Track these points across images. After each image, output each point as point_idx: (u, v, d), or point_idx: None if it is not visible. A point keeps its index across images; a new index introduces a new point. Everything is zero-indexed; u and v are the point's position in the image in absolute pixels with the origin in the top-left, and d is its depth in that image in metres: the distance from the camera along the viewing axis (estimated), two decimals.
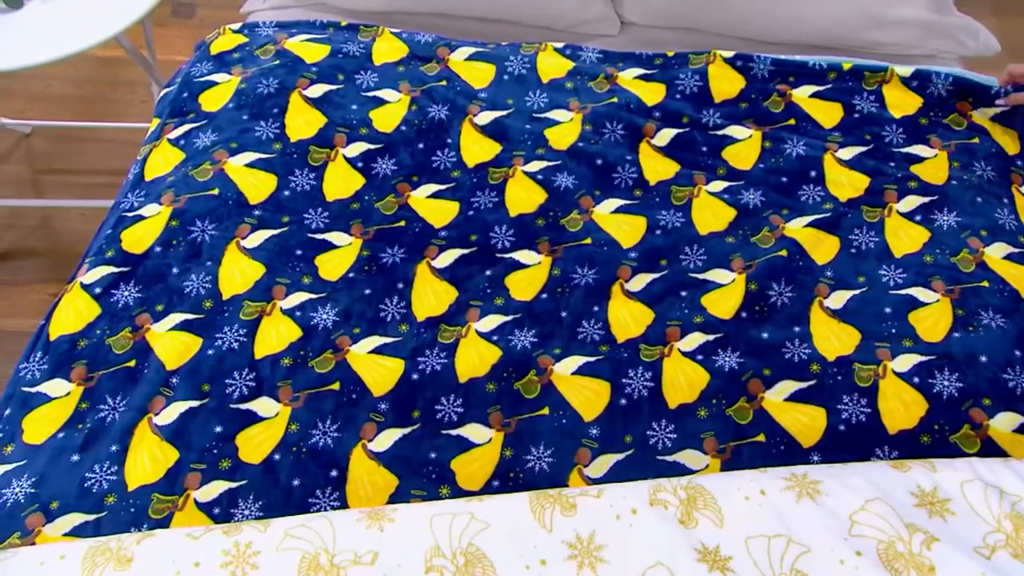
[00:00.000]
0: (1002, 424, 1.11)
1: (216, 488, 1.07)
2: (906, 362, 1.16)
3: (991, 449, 1.09)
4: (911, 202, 1.34)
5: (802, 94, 1.48)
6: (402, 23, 1.72)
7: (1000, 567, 0.87)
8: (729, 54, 1.52)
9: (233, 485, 1.07)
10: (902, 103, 1.47)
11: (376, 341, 1.20)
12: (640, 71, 1.52)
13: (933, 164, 1.38)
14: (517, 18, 1.72)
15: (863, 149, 1.40)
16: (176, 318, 1.21)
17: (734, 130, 1.44)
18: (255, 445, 1.10)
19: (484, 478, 1.08)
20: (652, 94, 1.49)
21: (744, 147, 1.42)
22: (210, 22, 2.56)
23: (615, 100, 1.47)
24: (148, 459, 1.08)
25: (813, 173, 1.38)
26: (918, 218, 1.32)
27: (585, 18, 1.70)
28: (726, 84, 1.49)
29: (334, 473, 1.09)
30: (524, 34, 1.73)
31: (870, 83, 1.48)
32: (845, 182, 1.36)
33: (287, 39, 1.55)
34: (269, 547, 0.89)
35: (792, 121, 1.45)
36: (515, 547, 0.89)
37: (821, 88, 1.49)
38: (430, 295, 1.25)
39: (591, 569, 0.88)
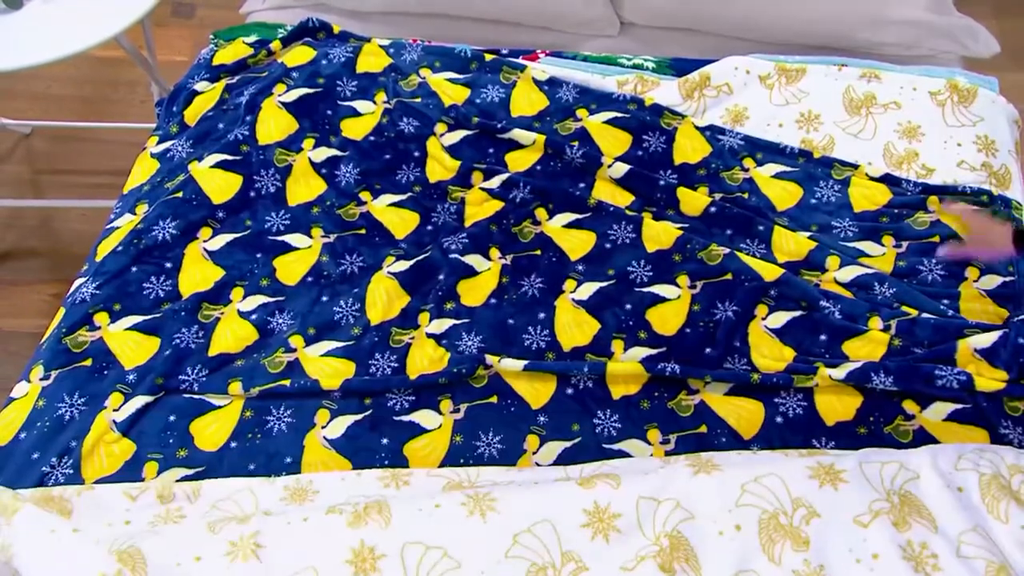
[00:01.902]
0: (933, 414, 1.13)
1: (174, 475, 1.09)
2: (842, 370, 1.15)
3: (924, 439, 1.11)
4: (850, 271, 1.28)
5: (764, 172, 1.42)
6: (402, 23, 1.72)
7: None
8: (702, 123, 1.47)
9: (189, 472, 1.09)
10: (868, 199, 1.38)
11: (329, 344, 1.22)
12: (611, 115, 1.47)
13: (876, 261, 1.31)
14: (517, 19, 1.72)
15: (807, 234, 1.34)
16: (133, 319, 1.23)
17: (684, 190, 1.39)
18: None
19: (435, 463, 1.11)
20: (617, 145, 1.45)
21: (696, 197, 1.38)
22: (210, 22, 2.56)
23: (576, 143, 1.44)
24: (105, 454, 1.10)
25: (761, 228, 1.34)
26: (853, 289, 1.27)
27: (585, 18, 1.70)
28: (690, 151, 1.44)
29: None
30: (524, 35, 1.73)
31: (838, 173, 1.41)
32: (792, 247, 1.31)
33: (282, 49, 1.57)
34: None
35: (745, 195, 1.39)
36: None
37: (787, 169, 1.42)
38: (383, 298, 1.27)
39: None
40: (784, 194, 1.39)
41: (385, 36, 1.63)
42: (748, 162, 1.43)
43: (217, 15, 2.58)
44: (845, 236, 1.34)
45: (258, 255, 1.32)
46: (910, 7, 1.65)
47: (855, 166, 1.41)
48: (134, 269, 1.28)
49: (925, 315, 1.22)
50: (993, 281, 1.27)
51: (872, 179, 1.39)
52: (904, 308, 1.23)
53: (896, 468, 0.98)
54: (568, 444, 1.12)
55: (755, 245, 1.33)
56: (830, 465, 0.99)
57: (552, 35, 1.74)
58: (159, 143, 1.47)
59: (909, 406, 1.14)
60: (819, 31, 1.66)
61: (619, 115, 1.47)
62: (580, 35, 1.73)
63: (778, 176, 1.41)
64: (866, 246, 1.32)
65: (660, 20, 1.72)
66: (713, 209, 1.36)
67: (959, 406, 1.13)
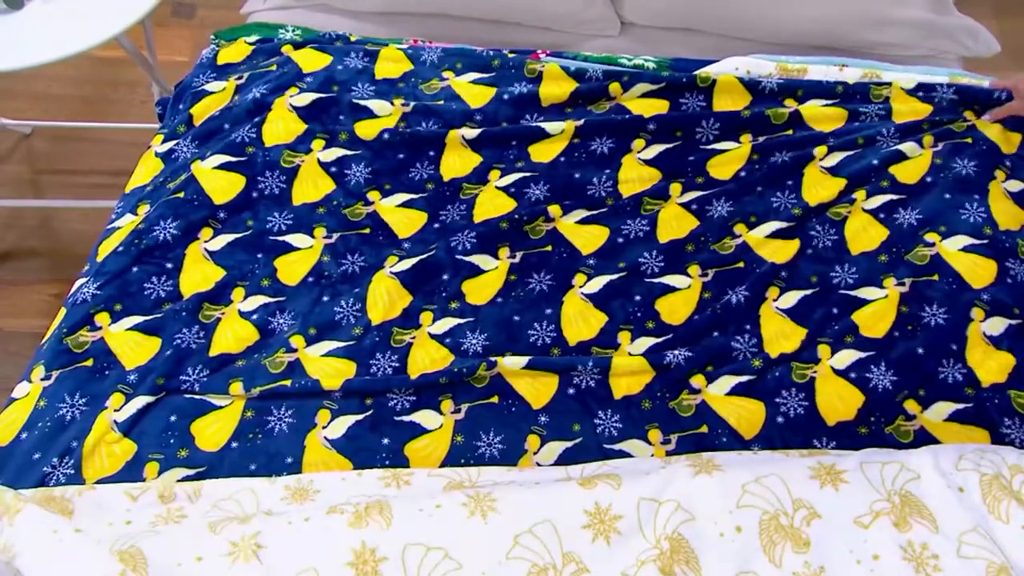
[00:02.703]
0: (934, 414, 1.14)
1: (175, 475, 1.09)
2: (843, 361, 1.18)
3: (925, 439, 1.12)
4: (877, 200, 1.35)
5: (809, 105, 1.47)
6: (402, 23, 1.72)
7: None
8: (740, 73, 1.52)
9: (190, 472, 1.09)
10: (910, 112, 1.46)
11: (330, 345, 1.22)
12: (646, 87, 1.49)
13: (913, 163, 1.38)
14: (517, 19, 1.72)
15: (850, 153, 1.40)
16: (134, 319, 1.23)
17: (725, 144, 1.43)
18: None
19: (436, 464, 1.11)
20: (652, 110, 1.48)
21: (727, 160, 1.42)
22: (210, 22, 2.56)
23: (611, 114, 1.46)
24: (106, 455, 1.10)
25: (790, 182, 1.38)
26: (881, 215, 1.33)
27: (585, 19, 1.70)
28: (729, 101, 1.48)
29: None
30: (524, 35, 1.73)
31: (876, 96, 1.47)
32: (822, 193, 1.36)
33: (293, 50, 1.56)
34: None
35: (790, 131, 1.44)
36: None
37: (829, 101, 1.48)
38: (384, 298, 1.27)
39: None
40: (829, 122, 1.45)
41: (385, 36, 1.63)
42: (790, 102, 1.47)
43: (217, 15, 2.58)
44: (887, 145, 1.40)
45: (259, 255, 1.32)
46: (910, 7, 1.65)
47: (888, 83, 1.48)
48: (135, 269, 1.28)
49: (935, 281, 1.25)
50: (1017, 186, 1.35)
51: (907, 92, 1.46)
52: (916, 259, 1.28)
53: (897, 468, 0.99)
54: (569, 444, 1.12)
55: (786, 196, 1.36)
56: (831, 465, 0.99)
57: (552, 35, 1.73)
58: (164, 141, 1.46)
59: (910, 406, 1.14)
60: (819, 31, 1.66)
61: (653, 87, 1.49)
62: (580, 35, 1.73)
63: (824, 106, 1.47)
64: (907, 147, 1.38)
65: (660, 20, 1.72)
66: (743, 173, 1.39)
67: (960, 406, 1.13)
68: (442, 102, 1.49)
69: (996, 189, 1.35)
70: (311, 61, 1.53)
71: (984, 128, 1.42)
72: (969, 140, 1.40)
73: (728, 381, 1.18)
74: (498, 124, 1.46)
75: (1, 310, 1.95)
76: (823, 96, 1.48)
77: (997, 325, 1.20)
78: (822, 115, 1.46)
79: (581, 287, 1.28)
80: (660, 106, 1.48)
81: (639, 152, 1.43)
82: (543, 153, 1.43)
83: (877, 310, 1.23)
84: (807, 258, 1.30)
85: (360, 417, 1.14)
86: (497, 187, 1.40)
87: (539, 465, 1.10)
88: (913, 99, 1.46)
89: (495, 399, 1.16)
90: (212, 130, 1.44)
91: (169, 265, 1.29)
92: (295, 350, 1.21)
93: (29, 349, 1.27)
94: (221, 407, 1.15)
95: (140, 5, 1.60)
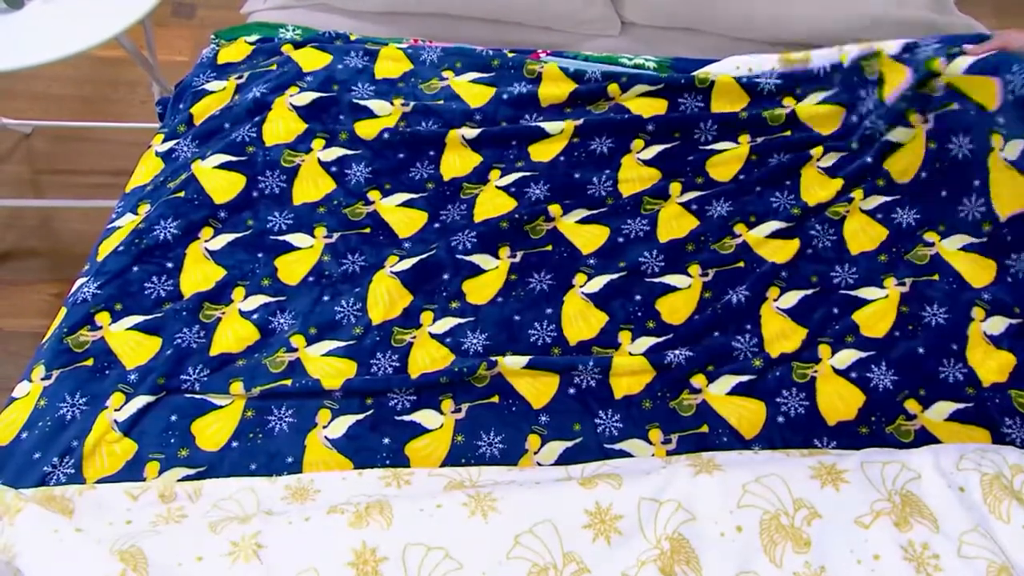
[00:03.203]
0: (935, 414, 1.14)
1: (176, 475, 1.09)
2: (844, 361, 1.19)
3: (925, 438, 1.12)
4: (874, 200, 1.36)
5: (806, 103, 1.47)
6: (402, 23, 1.72)
7: None
8: (740, 72, 1.51)
9: (190, 471, 1.09)
10: (891, 84, 1.40)
11: (330, 344, 1.22)
12: (644, 88, 1.50)
13: (908, 150, 1.36)
14: (517, 18, 1.72)
15: (845, 154, 1.40)
16: (134, 319, 1.23)
17: (724, 145, 1.44)
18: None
19: (436, 463, 1.11)
20: (651, 110, 1.48)
21: (726, 161, 1.42)
22: (210, 22, 2.56)
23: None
24: (106, 454, 1.10)
25: (788, 182, 1.39)
26: (879, 216, 1.34)
27: (586, 18, 1.70)
28: (727, 102, 1.49)
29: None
30: (524, 34, 1.73)
31: (869, 71, 1.45)
32: (820, 193, 1.37)
33: (293, 50, 1.56)
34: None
35: (788, 132, 1.44)
36: None
37: (827, 94, 1.47)
38: (385, 298, 1.27)
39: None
40: (827, 120, 1.44)
41: (385, 36, 1.63)
42: (788, 100, 1.47)
43: (217, 15, 2.58)
44: (875, 132, 1.39)
45: (259, 255, 1.32)
46: (910, 7, 1.66)
47: (876, 53, 1.43)
48: (135, 269, 1.28)
49: (935, 280, 1.25)
50: (1015, 148, 1.28)
51: (893, 57, 1.42)
52: (916, 259, 1.28)
53: (898, 468, 0.99)
54: (569, 444, 1.12)
55: (785, 196, 1.37)
56: (832, 465, 0.99)
57: (553, 35, 1.74)
58: (164, 141, 1.46)
59: (911, 406, 1.14)
60: (819, 31, 1.66)
61: (651, 88, 1.49)
62: (581, 35, 1.73)
63: (822, 102, 1.46)
64: (897, 134, 1.37)
65: (661, 20, 1.72)
66: (742, 176, 1.39)
67: (961, 406, 1.13)
68: (442, 102, 1.49)
69: (995, 162, 1.29)
70: (311, 60, 1.53)
71: (957, 83, 1.33)
72: (954, 105, 1.33)
73: (729, 381, 1.18)
74: (497, 124, 1.46)
75: (1, 310, 1.95)
76: (820, 87, 1.47)
77: (997, 324, 1.20)
78: (818, 115, 1.45)
79: (581, 287, 1.28)
80: (658, 106, 1.48)
81: (638, 152, 1.43)
82: (543, 153, 1.43)
83: (877, 310, 1.23)
84: (807, 258, 1.30)
85: (360, 417, 1.14)
86: (497, 187, 1.40)
87: (540, 465, 1.10)
88: (898, 65, 1.40)
89: (496, 399, 1.16)
90: (212, 129, 1.44)
91: (169, 264, 1.29)
92: (295, 350, 1.21)
93: (29, 349, 1.27)
94: (221, 407, 1.15)
95: (140, 5, 1.60)
